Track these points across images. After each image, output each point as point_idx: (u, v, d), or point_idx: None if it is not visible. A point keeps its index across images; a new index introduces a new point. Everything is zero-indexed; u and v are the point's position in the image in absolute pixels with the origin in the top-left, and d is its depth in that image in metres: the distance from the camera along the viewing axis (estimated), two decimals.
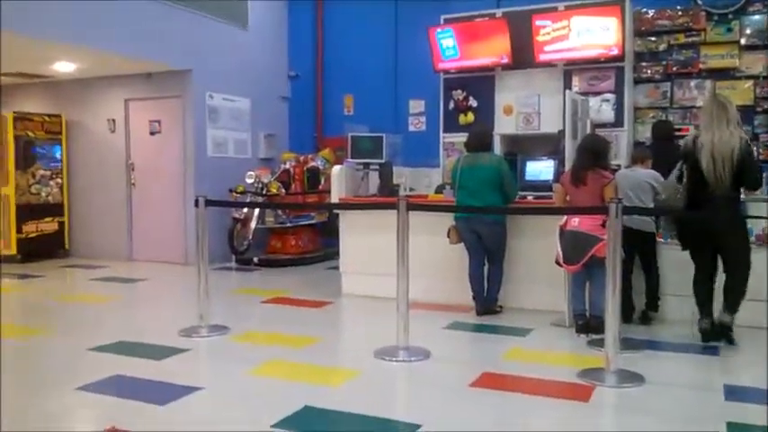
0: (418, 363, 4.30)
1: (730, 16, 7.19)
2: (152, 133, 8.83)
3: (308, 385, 3.88)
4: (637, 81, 7.51)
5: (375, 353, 4.42)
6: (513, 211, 5.76)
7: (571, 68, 7.32)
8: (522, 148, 7.56)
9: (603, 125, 6.90)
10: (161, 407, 3.49)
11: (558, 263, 4.99)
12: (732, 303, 4.60)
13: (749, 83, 7.12)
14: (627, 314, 5.10)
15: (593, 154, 5.00)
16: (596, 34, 7.03)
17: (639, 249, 5.26)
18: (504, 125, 7.60)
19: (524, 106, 7.55)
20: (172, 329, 5.04)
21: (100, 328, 5.32)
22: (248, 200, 8.08)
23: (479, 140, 5.68)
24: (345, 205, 6.43)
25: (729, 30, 7.20)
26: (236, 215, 8.20)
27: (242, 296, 6.81)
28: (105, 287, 7.24)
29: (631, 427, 3.32)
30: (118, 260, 8.89)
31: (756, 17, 7.12)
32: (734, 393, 3.69)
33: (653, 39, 7.49)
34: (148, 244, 8.89)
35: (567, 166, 5.45)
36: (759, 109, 7.10)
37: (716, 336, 4.65)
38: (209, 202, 5.19)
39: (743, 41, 7.15)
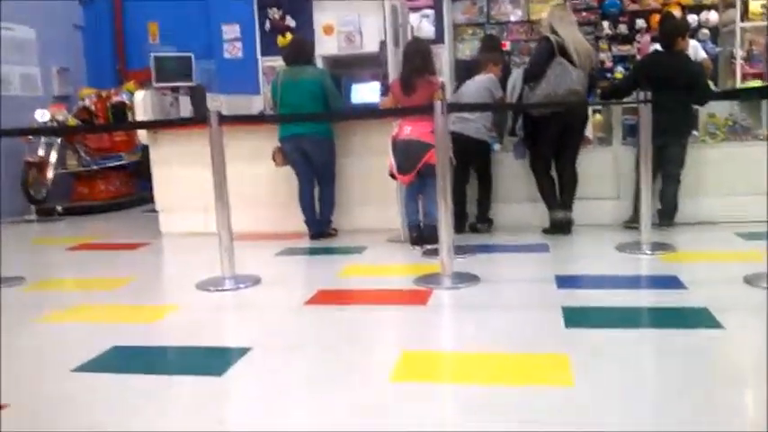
0: (247, 290, 3.92)
1: None
2: None
3: (118, 325, 3.37)
4: None
5: (198, 285, 3.98)
6: (342, 117, 5.47)
7: None
8: (346, 69, 7.23)
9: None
10: None
11: (391, 175, 4.79)
12: (570, 198, 4.95)
13: None
14: (460, 224, 5.07)
15: (422, 58, 4.80)
16: None
17: (474, 159, 5.20)
18: (326, 46, 7.19)
19: (345, 25, 7.16)
20: None
21: None
22: (42, 139, 7.06)
23: (299, 51, 5.28)
24: (148, 124, 5.70)
25: None
26: (30, 159, 7.13)
27: (42, 246, 5.97)
28: None
29: (472, 322, 3.21)
30: None
31: None
32: (565, 282, 3.72)
33: None
34: None
35: (392, 77, 5.23)
36: None
37: (562, 229, 4.91)
38: None
39: None
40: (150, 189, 6.20)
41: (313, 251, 5.04)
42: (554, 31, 4.84)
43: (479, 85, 5.13)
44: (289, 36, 7.13)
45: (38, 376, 2.72)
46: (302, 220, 5.32)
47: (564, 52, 4.76)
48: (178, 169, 5.75)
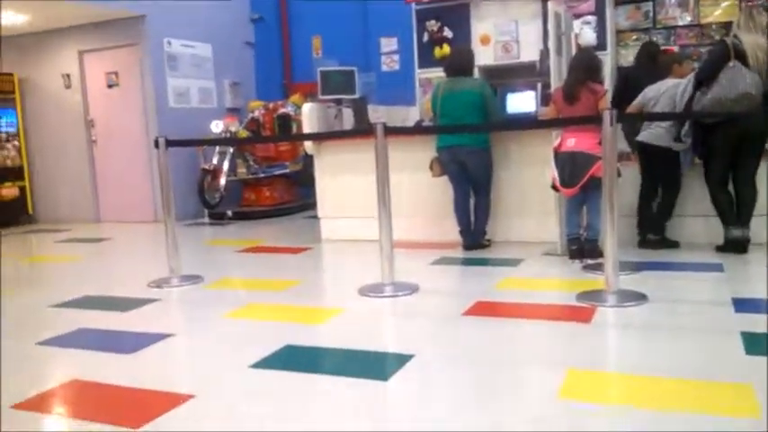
0: (406, 297, 4.01)
1: None
2: (110, 86, 8.32)
3: (289, 325, 3.59)
4: (617, 2, 7.17)
5: (359, 290, 4.13)
6: (503, 128, 5.44)
7: None
8: (501, 79, 7.20)
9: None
10: (128, 355, 3.18)
11: (554, 187, 4.70)
12: (748, 214, 4.59)
13: None
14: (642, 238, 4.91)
15: (587, 69, 4.68)
16: None
17: (659, 167, 4.93)
18: (482, 56, 7.21)
19: (502, 34, 7.17)
20: (140, 282, 4.69)
21: (62, 286, 4.95)
22: (217, 148, 7.65)
23: (460, 62, 5.31)
24: (316, 135, 6.01)
25: None
26: (206, 166, 7.77)
27: (216, 247, 6.47)
28: (70, 248, 6.84)
29: (642, 343, 3.07)
30: (85, 222, 8.48)
31: None
32: (744, 305, 3.45)
33: None
34: (116, 203, 8.47)
35: (554, 86, 5.13)
36: None
37: (738, 248, 4.59)
38: (170, 143, 4.79)
39: None
40: (310, 196, 6.51)
41: (468, 261, 5.06)
42: (735, 36, 4.56)
43: (668, 90, 4.86)
44: (446, 47, 7.18)
45: (221, 370, 2.95)
46: (457, 229, 5.36)
47: (741, 56, 4.45)
48: (340, 178, 6.01)
